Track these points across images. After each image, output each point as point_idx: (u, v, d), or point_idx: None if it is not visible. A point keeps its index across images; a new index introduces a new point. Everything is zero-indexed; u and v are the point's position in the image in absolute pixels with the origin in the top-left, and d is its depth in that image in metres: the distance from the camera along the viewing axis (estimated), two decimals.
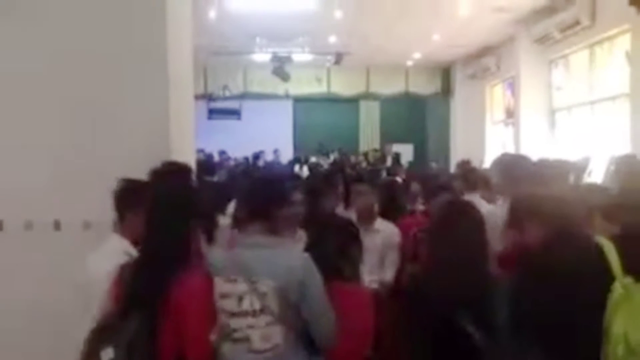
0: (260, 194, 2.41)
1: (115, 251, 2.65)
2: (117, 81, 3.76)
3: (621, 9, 7.24)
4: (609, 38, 8.73)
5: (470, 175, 4.66)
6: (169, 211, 2.40)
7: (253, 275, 2.23)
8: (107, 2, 3.80)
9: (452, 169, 10.81)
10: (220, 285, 2.29)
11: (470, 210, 2.64)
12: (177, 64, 4.02)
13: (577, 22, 8.83)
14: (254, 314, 2.23)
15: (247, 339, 2.24)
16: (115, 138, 3.73)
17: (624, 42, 8.20)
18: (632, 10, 7.04)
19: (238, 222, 2.60)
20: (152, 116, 3.74)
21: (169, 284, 2.25)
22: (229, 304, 2.26)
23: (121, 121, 3.74)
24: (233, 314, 2.26)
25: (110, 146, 3.72)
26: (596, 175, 6.65)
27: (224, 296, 2.28)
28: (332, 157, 13.64)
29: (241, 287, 2.24)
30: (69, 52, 3.74)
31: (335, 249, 2.59)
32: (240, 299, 2.24)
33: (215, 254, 2.44)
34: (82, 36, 3.76)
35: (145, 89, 3.76)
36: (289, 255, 2.31)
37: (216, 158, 13.27)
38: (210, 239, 3.02)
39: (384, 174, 9.71)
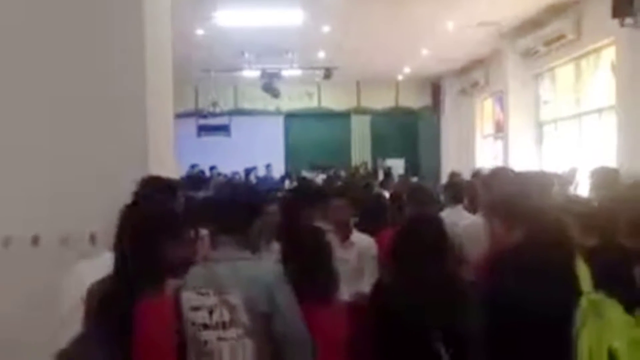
0: (228, 208, 2.40)
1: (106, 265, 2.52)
2: (96, 96, 3.77)
3: (606, 21, 7.29)
4: (595, 51, 8.80)
5: (450, 189, 4.67)
6: (141, 231, 2.36)
7: (223, 287, 2.23)
8: (82, 12, 3.81)
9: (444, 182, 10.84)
10: (191, 298, 2.28)
11: (433, 224, 2.63)
12: (156, 77, 4.03)
13: (563, 36, 8.91)
14: (224, 325, 2.23)
15: (217, 351, 2.22)
16: (91, 153, 3.73)
17: (609, 55, 8.27)
18: (617, 22, 7.09)
19: (210, 236, 2.60)
20: (130, 131, 3.75)
21: (135, 305, 2.22)
22: (201, 317, 2.26)
23: (98, 137, 3.75)
24: (205, 326, 2.26)
25: (87, 162, 3.72)
26: (582, 187, 6.66)
27: (196, 309, 2.27)
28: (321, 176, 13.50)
29: (212, 299, 2.25)
30: (50, 69, 3.76)
31: (309, 260, 2.60)
32: (211, 311, 2.25)
33: (191, 270, 2.42)
34: (60, 52, 3.77)
35: (123, 104, 3.78)
36: (257, 267, 2.33)
37: (207, 174, 13.26)
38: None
39: (376, 188, 9.73)
